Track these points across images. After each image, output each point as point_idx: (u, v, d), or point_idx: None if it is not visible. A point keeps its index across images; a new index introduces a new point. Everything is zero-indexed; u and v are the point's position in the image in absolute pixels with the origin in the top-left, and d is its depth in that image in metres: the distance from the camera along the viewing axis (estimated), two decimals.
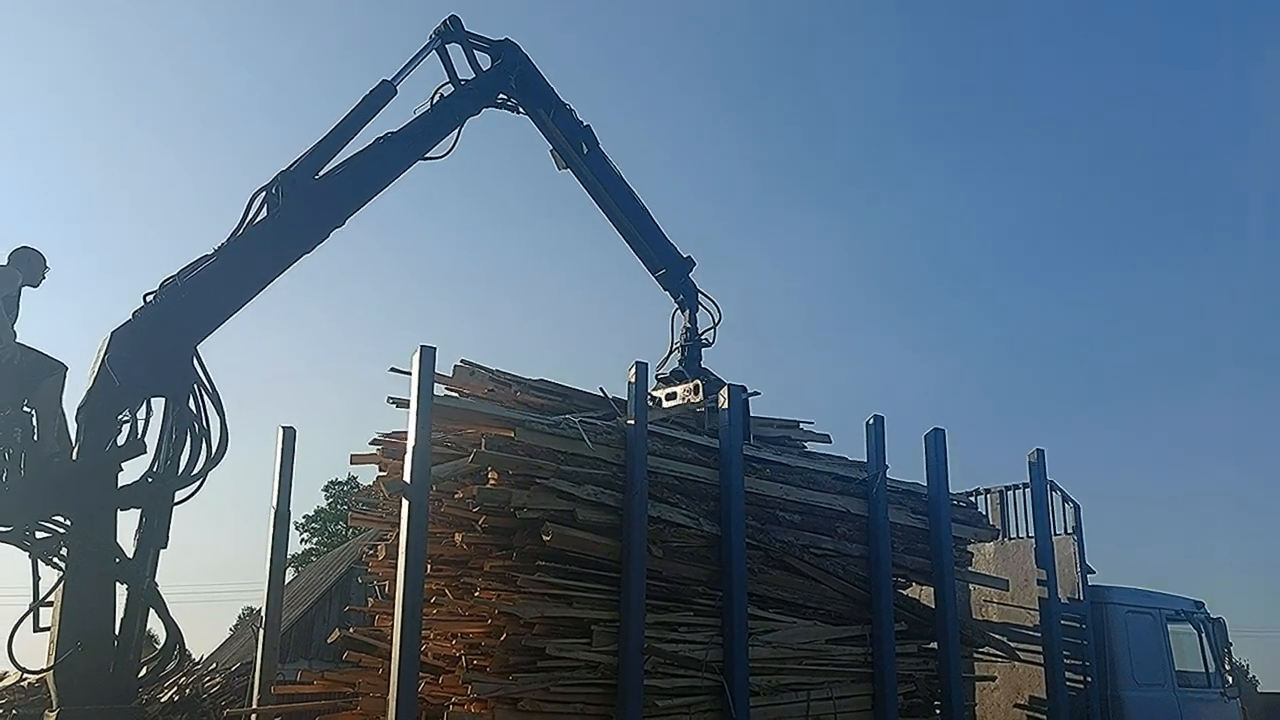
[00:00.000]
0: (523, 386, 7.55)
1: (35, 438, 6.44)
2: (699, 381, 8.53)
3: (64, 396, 6.70)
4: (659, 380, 8.90)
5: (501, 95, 8.62)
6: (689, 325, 9.15)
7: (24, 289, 6.92)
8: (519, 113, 8.80)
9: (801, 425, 8.74)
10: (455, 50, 8.49)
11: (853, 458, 8.42)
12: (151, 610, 6.47)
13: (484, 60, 8.59)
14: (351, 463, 7.54)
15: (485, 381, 7.52)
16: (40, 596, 6.38)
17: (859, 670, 7.60)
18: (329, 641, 8.04)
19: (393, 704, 5.69)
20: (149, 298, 6.74)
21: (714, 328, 9.14)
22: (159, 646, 6.83)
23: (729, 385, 7.49)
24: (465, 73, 8.51)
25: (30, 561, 6.41)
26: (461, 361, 7.63)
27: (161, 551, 6.55)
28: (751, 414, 8.00)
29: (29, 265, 6.96)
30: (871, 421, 8.18)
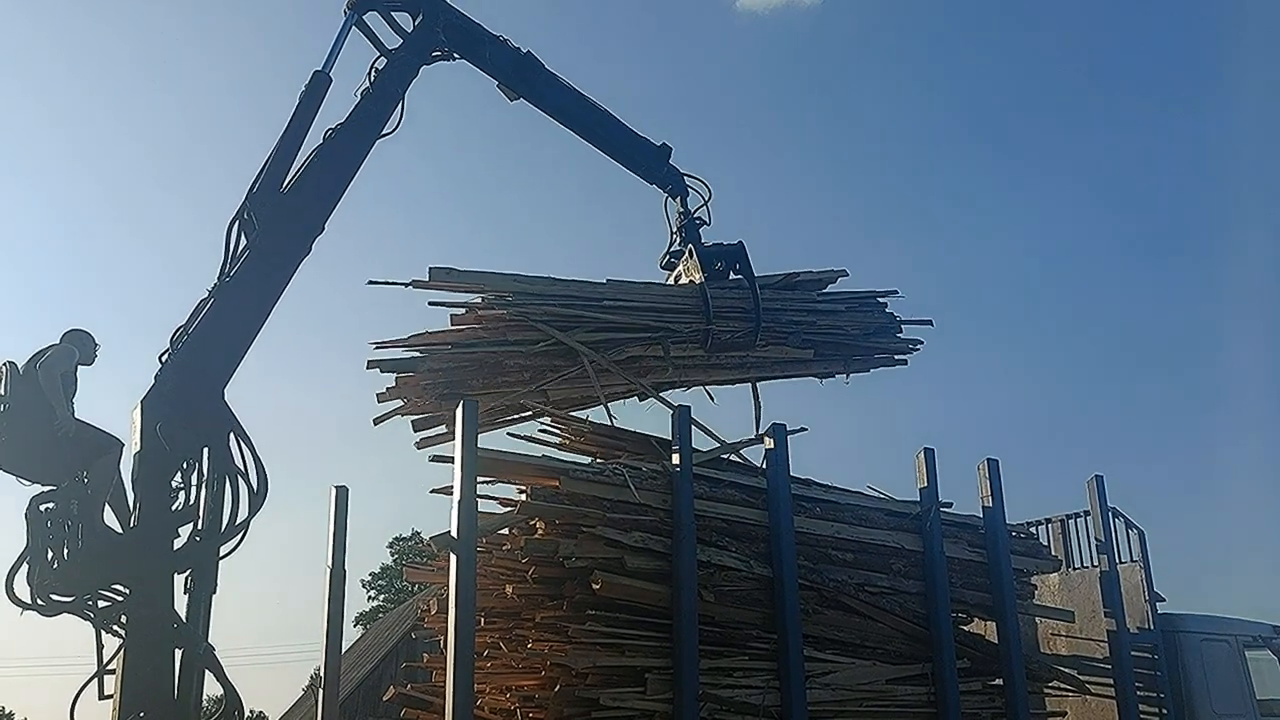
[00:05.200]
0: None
1: (91, 511, 6.58)
2: (691, 245, 8.66)
3: (120, 470, 6.84)
4: (662, 268, 9.05)
5: (434, 51, 8.35)
6: (682, 209, 9.10)
7: (80, 367, 7.11)
8: (454, 59, 8.51)
9: (813, 272, 8.94)
10: (375, 20, 8.20)
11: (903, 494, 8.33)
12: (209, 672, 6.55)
13: (403, 20, 8.29)
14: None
15: (466, 280, 7.53)
16: (103, 664, 6.50)
17: (923, 710, 7.42)
18: (384, 700, 8.07)
19: None
20: (164, 357, 6.87)
21: (705, 204, 9.10)
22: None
23: (773, 424, 7.45)
24: (390, 39, 8.22)
25: (94, 631, 6.55)
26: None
27: (217, 600, 6.63)
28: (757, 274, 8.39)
29: (83, 345, 7.16)
30: (922, 454, 8.08)
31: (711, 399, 8.79)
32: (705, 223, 9.04)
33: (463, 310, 7.59)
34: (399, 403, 7.64)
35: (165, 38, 60.39)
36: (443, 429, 7.77)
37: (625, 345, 7.87)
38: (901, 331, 9.16)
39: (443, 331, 7.54)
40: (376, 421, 7.65)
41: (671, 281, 8.86)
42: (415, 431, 7.85)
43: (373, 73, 8.04)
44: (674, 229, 9.16)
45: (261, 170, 7.37)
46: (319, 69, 7.76)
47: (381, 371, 7.44)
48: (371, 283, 7.37)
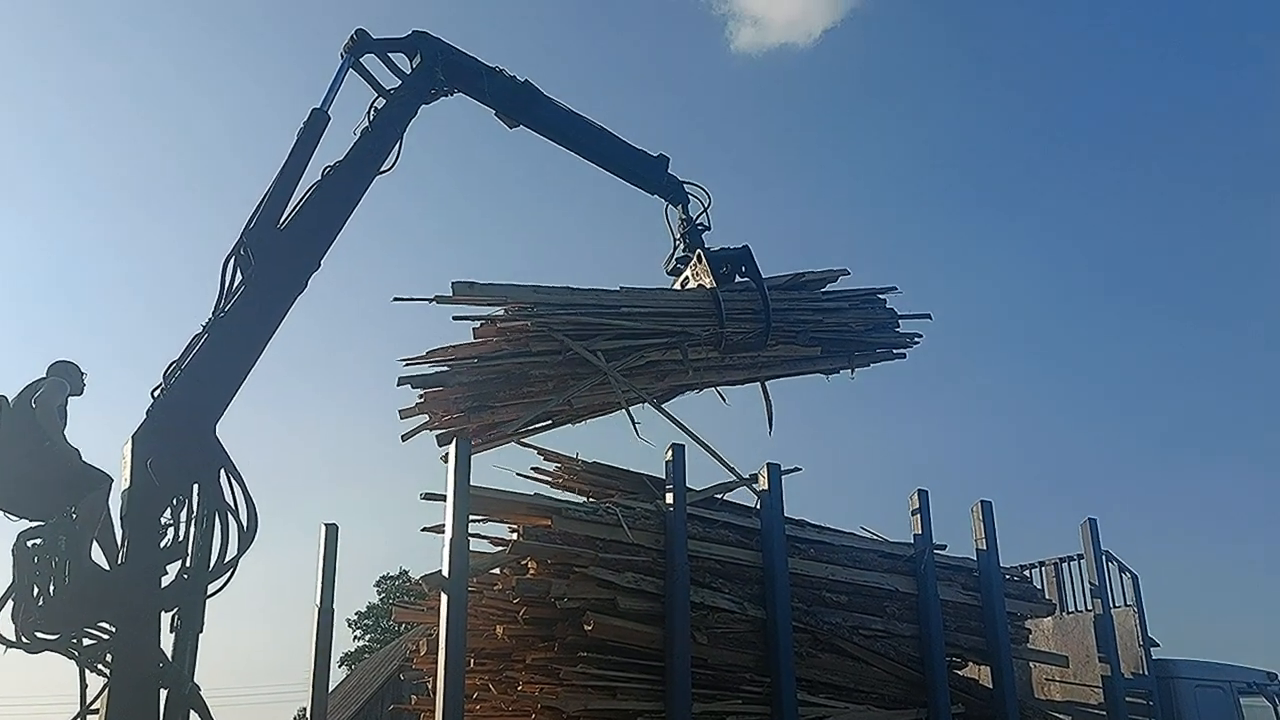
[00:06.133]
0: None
1: (79, 547, 6.49)
2: (699, 250, 8.78)
3: (109, 506, 6.76)
4: (669, 274, 9.12)
5: (433, 89, 8.35)
6: (684, 216, 9.18)
7: (70, 398, 7.05)
8: (453, 94, 8.55)
9: (816, 272, 9.02)
10: (372, 59, 8.21)
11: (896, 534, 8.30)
12: (194, 713, 6.43)
13: (400, 60, 8.31)
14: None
15: (488, 293, 7.55)
16: (86, 703, 6.37)
17: None
18: None
19: None
20: (156, 393, 6.82)
21: (705, 211, 9.22)
22: None
23: (767, 464, 7.42)
24: (387, 79, 8.24)
25: (77, 669, 6.44)
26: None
27: (202, 638, 6.52)
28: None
29: (71, 376, 7.09)
30: (916, 496, 8.06)
31: (724, 400, 8.86)
32: (707, 228, 9.16)
33: (482, 324, 7.59)
34: (424, 418, 7.58)
35: (158, 71, 60.63)
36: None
37: (644, 351, 7.91)
38: (900, 326, 9.29)
39: (466, 345, 7.55)
40: (405, 437, 7.59)
41: (678, 287, 8.94)
42: (440, 446, 7.77)
43: (372, 111, 8.05)
44: (676, 236, 9.26)
45: (258, 206, 7.33)
46: (317, 107, 7.77)
47: (412, 387, 7.40)
48: (397, 299, 7.36)
